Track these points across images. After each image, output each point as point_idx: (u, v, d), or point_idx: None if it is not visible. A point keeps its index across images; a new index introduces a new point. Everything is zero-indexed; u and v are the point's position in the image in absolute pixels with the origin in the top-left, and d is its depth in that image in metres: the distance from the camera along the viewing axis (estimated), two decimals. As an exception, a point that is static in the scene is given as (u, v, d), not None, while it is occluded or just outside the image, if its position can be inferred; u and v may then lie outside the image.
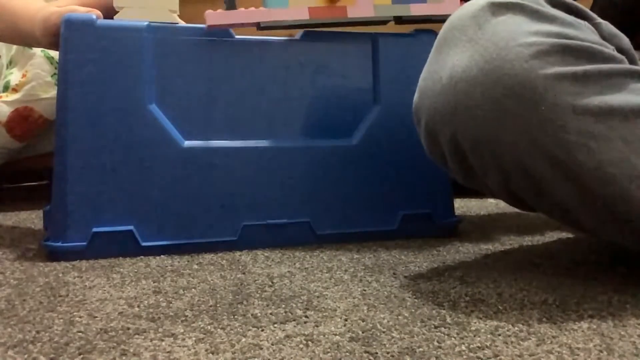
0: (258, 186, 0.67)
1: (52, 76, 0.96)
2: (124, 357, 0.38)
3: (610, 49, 0.50)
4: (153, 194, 0.64)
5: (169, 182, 0.64)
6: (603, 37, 0.53)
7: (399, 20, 0.71)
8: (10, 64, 1.00)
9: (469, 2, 0.53)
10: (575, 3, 0.54)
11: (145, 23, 0.65)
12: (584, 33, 0.50)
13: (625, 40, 0.54)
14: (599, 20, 0.54)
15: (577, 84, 0.46)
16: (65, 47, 0.63)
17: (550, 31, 0.48)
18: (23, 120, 0.96)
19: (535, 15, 0.49)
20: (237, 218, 0.66)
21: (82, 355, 0.39)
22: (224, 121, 0.67)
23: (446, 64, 0.51)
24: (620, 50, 0.53)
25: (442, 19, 0.68)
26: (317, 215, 0.69)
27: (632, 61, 0.53)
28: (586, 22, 0.53)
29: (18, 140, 0.98)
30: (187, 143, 0.65)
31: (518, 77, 0.46)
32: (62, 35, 0.63)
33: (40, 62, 0.96)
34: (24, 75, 0.96)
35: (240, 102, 0.68)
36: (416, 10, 0.69)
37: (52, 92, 0.95)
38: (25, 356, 0.38)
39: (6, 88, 0.97)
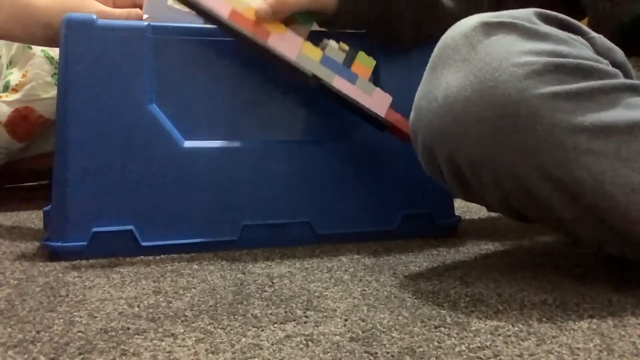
0: (258, 186, 0.67)
1: (52, 76, 0.96)
2: (124, 357, 0.38)
3: (604, 64, 0.50)
4: (153, 194, 0.64)
5: (169, 182, 0.64)
6: (597, 52, 0.53)
7: (316, 81, 0.64)
8: (10, 64, 1.00)
9: (461, 21, 0.53)
10: (568, 18, 0.54)
11: (145, 23, 0.65)
12: (578, 49, 0.50)
13: (619, 53, 0.54)
14: (593, 34, 0.54)
15: (572, 102, 0.46)
16: (66, 47, 0.63)
17: (543, 50, 0.48)
18: (23, 120, 0.96)
19: (528, 33, 0.49)
20: (237, 218, 0.66)
21: (82, 355, 0.39)
22: (224, 121, 0.67)
23: (441, 83, 0.51)
24: (615, 63, 0.53)
25: (366, 112, 0.66)
26: (317, 215, 0.69)
27: (626, 74, 0.53)
28: (580, 37, 0.52)
29: (18, 140, 0.98)
30: (187, 143, 0.65)
31: (512, 97, 0.46)
32: (62, 35, 0.63)
33: (40, 62, 0.96)
34: (24, 75, 0.96)
35: (240, 102, 0.68)
36: (339, 84, 0.64)
37: (52, 92, 0.95)
38: (25, 356, 0.38)
39: (6, 88, 0.97)
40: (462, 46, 0.50)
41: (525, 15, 0.51)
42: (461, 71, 0.49)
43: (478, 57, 0.49)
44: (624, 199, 0.46)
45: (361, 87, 0.65)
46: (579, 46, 0.51)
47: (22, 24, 0.72)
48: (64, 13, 0.64)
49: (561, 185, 0.47)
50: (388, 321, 0.44)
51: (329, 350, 0.39)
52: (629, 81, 0.49)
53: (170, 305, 0.48)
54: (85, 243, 0.62)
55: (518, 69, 0.47)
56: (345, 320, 0.45)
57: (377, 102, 0.66)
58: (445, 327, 0.43)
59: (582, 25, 0.54)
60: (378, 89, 0.66)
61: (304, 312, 0.46)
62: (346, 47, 0.65)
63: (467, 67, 0.49)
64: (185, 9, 0.71)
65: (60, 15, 0.64)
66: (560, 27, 0.52)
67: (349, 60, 0.65)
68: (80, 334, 0.42)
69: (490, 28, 0.50)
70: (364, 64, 0.66)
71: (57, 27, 0.65)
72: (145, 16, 0.70)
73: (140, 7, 0.71)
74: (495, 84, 0.47)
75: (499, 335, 0.42)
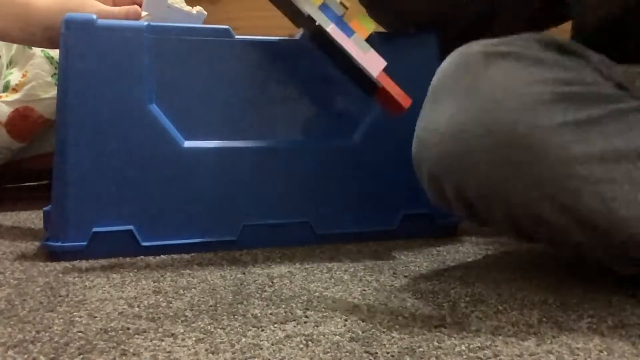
0: (258, 186, 0.67)
1: (52, 76, 0.96)
2: (124, 357, 0.38)
3: (610, 86, 0.50)
4: (153, 194, 0.64)
5: (169, 182, 0.64)
6: (600, 73, 0.52)
7: (311, 27, 0.62)
8: (10, 64, 1.00)
9: (459, 50, 0.52)
10: (568, 41, 0.53)
11: (145, 23, 0.65)
12: (582, 74, 0.50)
13: (620, 71, 0.53)
14: (593, 55, 0.53)
15: (581, 130, 0.46)
16: (65, 47, 0.63)
17: (548, 78, 0.47)
18: (23, 120, 0.96)
19: (531, 62, 0.48)
20: (237, 218, 0.66)
21: (82, 355, 0.39)
22: (224, 121, 0.67)
23: (444, 114, 0.50)
24: (618, 82, 0.52)
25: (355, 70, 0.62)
26: (317, 215, 0.69)
27: (630, 91, 0.52)
28: (581, 60, 0.52)
29: (18, 140, 0.98)
30: (187, 143, 0.65)
31: (520, 129, 0.46)
32: (62, 35, 0.63)
33: (40, 62, 0.96)
34: (24, 75, 0.96)
35: (240, 102, 0.68)
36: (334, 33, 0.60)
37: (52, 92, 0.95)
38: (25, 356, 0.38)
39: (6, 88, 0.97)
40: (463, 76, 0.50)
41: (524, 42, 0.50)
42: (465, 102, 0.49)
43: (482, 88, 0.48)
44: (639, 226, 0.46)
45: (356, 43, 0.62)
46: (582, 71, 0.50)
47: (22, 25, 0.72)
48: (63, 14, 0.64)
49: (575, 213, 0.46)
50: (388, 321, 0.44)
51: (329, 350, 0.39)
52: (634, 104, 0.48)
53: (170, 305, 0.48)
54: (85, 243, 0.62)
55: (523, 100, 0.46)
56: (345, 320, 0.45)
57: (371, 61, 0.61)
58: (445, 327, 0.43)
59: (580, 46, 0.53)
60: (373, 51, 0.62)
61: (304, 312, 0.46)
62: (347, 4, 0.63)
63: (470, 97, 0.48)
64: (185, 8, 0.71)
65: (59, 17, 0.64)
66: (560, 52, 0.51)
67: (348, 17, 0.63)
68: (80, 334, 0.42)
69: (491, 57, 0.49)
70: (363, 24, 0.63)
71: (57, 28, 0.65)
72: (144, 14, 0.70)
73: (140, 5, 0.71)
74: (502, 115, 0.46)
75: (499, 335, 0.42)
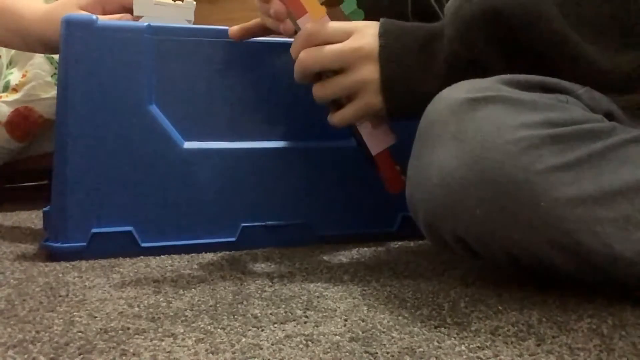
0: (257, 187, 0.67)
1: (52, 76, 0.96)
2: (124, 357, 0.38)
3: (599, 120, 0.50)
4: (153, 194, 0.64)
5: (168, 183, 0.64)
6: (587, 106, 0.51)
7: None
8: (10, 64, 1.00)
9: (444, 96, 0.51)
10: (551, 79, 0.52)
11: (146, 24, 0.65)
12: (569, 111, 0.49)
13: (605, 101, 0.53)
14: (580, 88, 0.52)
15: (573, 172, 0.45)
16: (65, 47, 0.63)
17: (535, 121, 0.47)
18: (23, 120, 0.96)
19: (516, 105, 0.48)
20: (236, 219, 0.66)
21: (82, 355, 0.39)
22: (224, 121, 0.67)
23: (433, 162, 0.49)
24: (606, 113, 0.52)
25: None
26: (317, 217, 0.69)
27: (618, 120, 0.52)
28: (567, 97, 0.51)
29: (18, 140, 0.98)
30: (187, 143, 0.65)
31: (511, 176, 0.45)
32: (62, 35, 0.63)
33: (40, 62, 0.96)
34: (24, 75, 0.96)
35: (240, 103, 0.68)
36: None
37: (52, 92, 0.95)
38: (25, 356, 0.38)
39: (6, 88, 0.97)
40: (450, 122, 0.49)
41: (507, 84, 0.50)
42: (453, 149, 0.48)
43: (469, 135, 0.47)
44: (638, 261, 0.45)
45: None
46: (569, 108, 0.50)
47: (20, 36, 0.74)
48: (53, 26, 0.64)
49: (572, 252, 0.46)
50: (388, 321, 0.44)
51: (329, 350, 0.39)
52: (625, 136, 0.48)
53: (170, 305, 0.48)
54: (84, 244, 0.62)
55: (512, 146, 0.46)
56: (345, 320, 0.45)
57: (378, 137, 0.60)
58: (445, 327, 0.43)
59: (563, 81, 0.52)
60: (387, 125, 0.60)
61: (304, 312, 0.46)
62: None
63: (458, 144, 0.48)
64: (174, 3, 0.71)
65: (50, 28, 0.65)
66: (543, 90, 0.51)
67: None
68: (80, 334, 0.42)
69: (477, 103, 0.48)
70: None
71: (50, 37, 0.66)
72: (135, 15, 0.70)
73: (128, 11, 0.72)
74: (491, 163, 0.46)
75: (499, 335, 0.42)
